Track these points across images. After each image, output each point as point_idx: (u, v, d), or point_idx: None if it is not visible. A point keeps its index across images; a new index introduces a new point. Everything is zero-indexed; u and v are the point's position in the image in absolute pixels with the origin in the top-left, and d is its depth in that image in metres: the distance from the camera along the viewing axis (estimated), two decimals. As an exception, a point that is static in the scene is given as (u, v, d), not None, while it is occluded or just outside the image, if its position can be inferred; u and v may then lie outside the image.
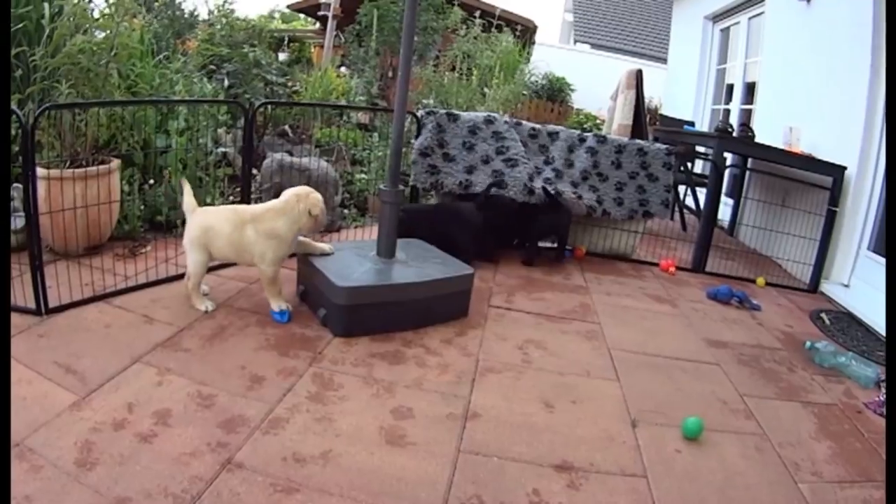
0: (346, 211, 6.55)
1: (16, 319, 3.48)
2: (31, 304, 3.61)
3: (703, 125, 10.41)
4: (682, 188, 8.41)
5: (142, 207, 5.25)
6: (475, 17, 13.06)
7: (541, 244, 5.91)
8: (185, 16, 11.03)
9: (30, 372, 3.01)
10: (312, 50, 17.67)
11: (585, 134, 6.29)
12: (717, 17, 10.50)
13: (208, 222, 3.84)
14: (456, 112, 5.95)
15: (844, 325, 5.29)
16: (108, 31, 5.05)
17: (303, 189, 4.01)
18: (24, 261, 3.67)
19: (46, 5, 4.73)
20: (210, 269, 4.31)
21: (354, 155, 8.08)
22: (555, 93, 16.91)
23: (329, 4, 14.28)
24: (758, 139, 6.81)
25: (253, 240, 3.83)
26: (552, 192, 5.69)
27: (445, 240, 5.03)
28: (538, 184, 5.80)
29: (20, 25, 4.73)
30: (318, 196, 3.99)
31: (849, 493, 2.91)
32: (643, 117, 7.91)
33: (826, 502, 2.81)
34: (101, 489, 2.29)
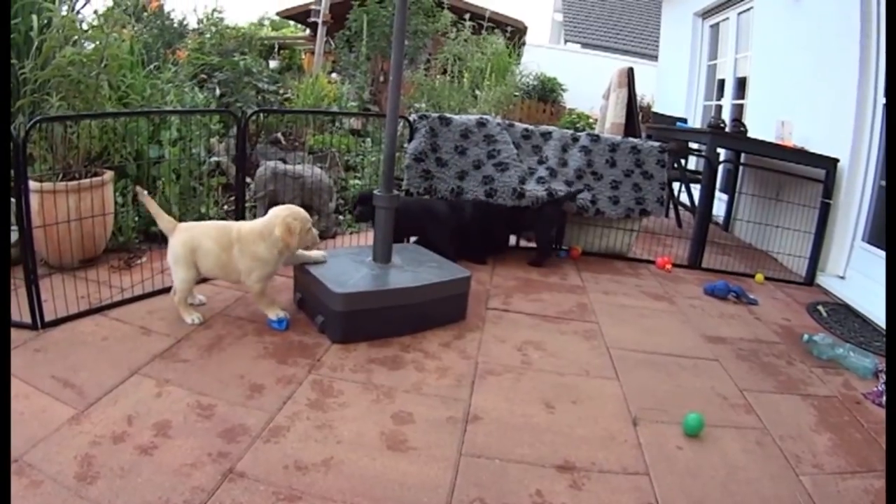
0: (340, 217, 6.54)
1: (12, 334, 3.46)
2: (27, 319, 3.59)
3: (695, 121, 10.43)
4: (676, 185, 8.43)
5: (136, 219, 5.23)
6: (465, 20, 13.05)
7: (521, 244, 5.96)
8: (175, 25, 10.99)
9: (27, 387, 3.00)
10: (303, 57, 17.63)
11: (578, 133, 6.30)
12: (706, 14, 10.52)
13: (196, 241, 3.80)
14: (448, 116, 5.95)
15: (841, 316, 5.30)
16: (98, 43, 5.04)
17: (284, 210, 3.93)
18: (19, 275, 3.65)
19: (34, 17, 4.72)
20: (206, 279, 4.31)
21: (348, 161, 8.08)
22: (546, 93, 16.93)
23: (319, 11, 14.27)
24: (750, 134, 6.83)
25: (239, 259, 3.82)
26: (554, 193, 5.73)
27: (420, 235, 5.20)
28: (530, 186, 5.80)
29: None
30: (294, 222, 3.86)
31: (850, 484, 2.92)
32: (636, 115, 7.93)
33: (827, 494, 2.81)
34: (102, 503, 2.28)
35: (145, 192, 3.94)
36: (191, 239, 3.81)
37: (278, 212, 3.93)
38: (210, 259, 3.81)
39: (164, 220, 3.87)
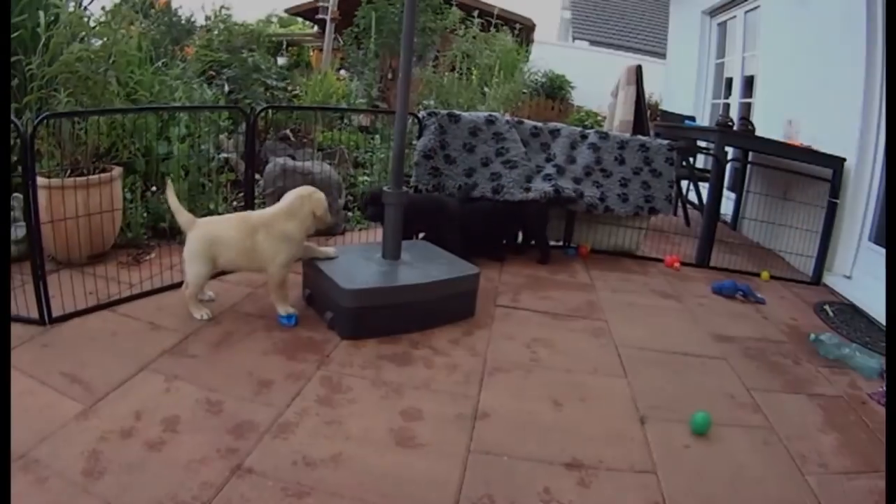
0: (349, 214, 6.54)
1: (19, 330, 3.48)
2: (35, 314, 3.60)
3: (703, 119, 10.40)
4: (684, 183, 8.41)
5: (144, 215, 5.25)
6: (473, 17, 13.03)
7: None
8: (182, 22, 11.02)
9: (34, 382, 3.01)
10: (311, 53, 17.63)
11: (587, 131, 6.28)
12: (714, 12, 10.50)
13: (215, 233, 3.82)
14: (457, 113, 5.93)
15: (848, 316, 5.28)
16: (106, 39, 5.04)
17: (306, 189, 4.03)
18: (27, 271, 3.64)
19: (41, 13, 4.72)
20: (215, 275, 4.31)
21: (357, 157, 8.07)
22: (555, 90, 16.90)
23: (327, 7, 14.26)
24: (758, 132, 6.82)
25: (265, 244, 3.82)
26: (561, 192, 5.72)
27: (428, 231, 5.19)
28: (537, 184, 5.80)
29: (15, 34, 4.71)
30: (321, 195, 4.03)
31: (855, 484, 2.92)
32: (644, 113, 7.91)
33: (833, 494, 2.81)
34: (109, 498, 2.29)
35: (171, 185, 3.95)
36: (210, 232, 3.82)
37: (302, 192, 4.01)
38: (233, 249, 3.83)
39: (182, 216, 3.87)
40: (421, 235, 5.33)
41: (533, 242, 6.03)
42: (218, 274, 4.35)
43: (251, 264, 3.92)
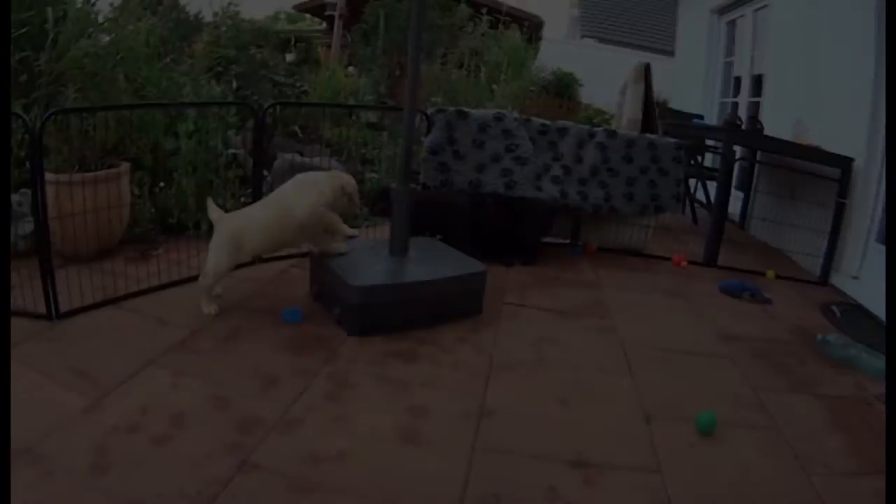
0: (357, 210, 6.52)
1: (26, 324, 3.49)
2: (42, 309, 3.61)
3: (711, 118, 10.37)
4: (692, 182, 8.38)
5: (152, 210, 5.25)
6: (482, 14, 13.02)
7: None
8: (190, 18, 11.01)
9: (41, 377, 3.02)
10: (319, 50, 17.63)
11: (595, 129, 6.26)
12: (722, 10, 10.46)
13: (242, 224, 3.89)
14: (465, 110, 5.90)
15: (855, 317, 5.26)
16: (114, 35, 5.05)
17: (335, 171, 4.22)
18: (34, 266, 3.65)
19: (50, 10, 4.73)
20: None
21: (364, 154, 8.07)
22: (562, 88, 16.87)
23: (335, 4, 14.25)
24: (766, 131, 6.79)
25: (298, 195, 3.92)
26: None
27: (437, 228, 5.16)
28: (546, 185, 5.80)
29: (23, 30, 4.72)
30: (350, 177, 4.16)
31: (860, 485, 2.92)
32: (653, 111, 7.89)
33: (838, 495, 2.81)
34: (115, 493, 2.29)
35: (211, 201, 4.06)
36: (237, 225, 3.89)
37: (343, 175, 4.17)
38: (259, 233, 3.89)
39: (212, 212, 3.95)
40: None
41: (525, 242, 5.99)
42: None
43: (283, 228, 3.96)
